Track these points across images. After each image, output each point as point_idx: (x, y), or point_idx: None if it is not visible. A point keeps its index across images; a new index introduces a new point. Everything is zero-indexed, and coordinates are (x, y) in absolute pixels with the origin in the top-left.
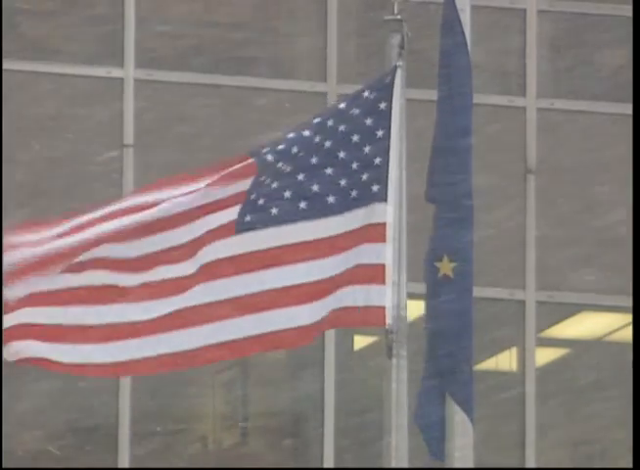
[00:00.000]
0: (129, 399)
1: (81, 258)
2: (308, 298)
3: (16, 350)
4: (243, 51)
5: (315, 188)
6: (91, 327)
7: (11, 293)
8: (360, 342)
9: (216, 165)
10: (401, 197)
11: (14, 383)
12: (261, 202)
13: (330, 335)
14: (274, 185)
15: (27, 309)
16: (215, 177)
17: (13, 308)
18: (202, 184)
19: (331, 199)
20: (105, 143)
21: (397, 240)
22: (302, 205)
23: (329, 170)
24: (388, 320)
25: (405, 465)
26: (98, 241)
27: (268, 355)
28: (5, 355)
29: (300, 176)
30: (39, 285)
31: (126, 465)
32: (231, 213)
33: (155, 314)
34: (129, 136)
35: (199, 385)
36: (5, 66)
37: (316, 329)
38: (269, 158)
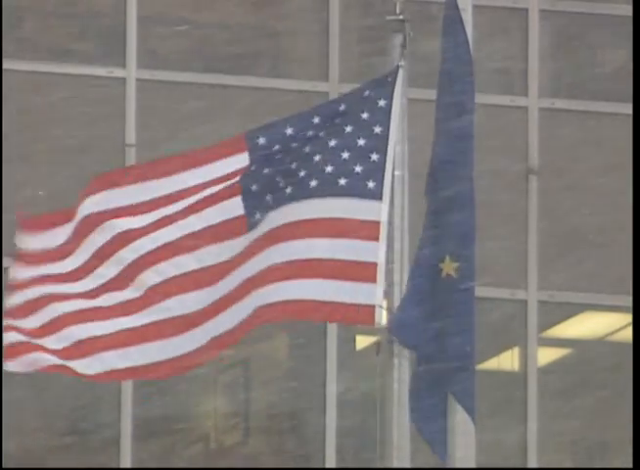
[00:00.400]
0: (131, 400)
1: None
2: (306, 273)
3: (29, 361)
4: (245, 51)
5: (302, 174)
6: (107, 335)
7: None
8: (362, 342)
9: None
10: (403, 197)
11: (15, 383)
12: (269, 198)
13: (332, 335)
14: (279, 181)
15: (38, 339)
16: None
17: (19, 331)
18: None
19: (313, 182)
20: (107, 143)
21: (399, 240)
22: (288, 190)
23: (317, 157)
24: (377, 319)
25: (407, 465)
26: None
27: (269, 355)
28: (11, 368)
29: (294, 165)
30: (46, 315)
31: (128, 465)
32: (232, 208)
33: (168, 314)
34: (131, 136)
35: (200, 385)
36: (5, 66)
37: (299, 307)
38: (261, 141)
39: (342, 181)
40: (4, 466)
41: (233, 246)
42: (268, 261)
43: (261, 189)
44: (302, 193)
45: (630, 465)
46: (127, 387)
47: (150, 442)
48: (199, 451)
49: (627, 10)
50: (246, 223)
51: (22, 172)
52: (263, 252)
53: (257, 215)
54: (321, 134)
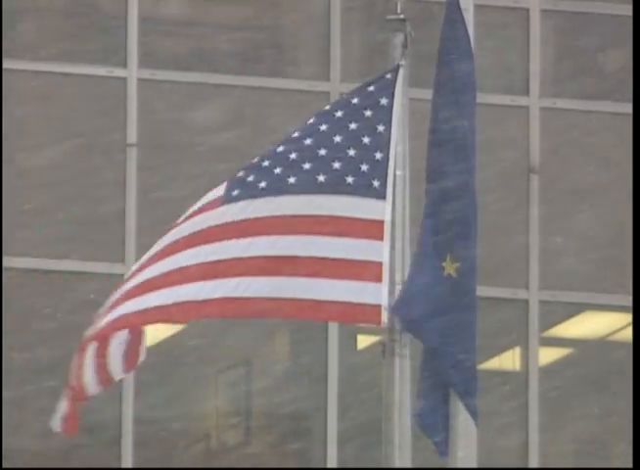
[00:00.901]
0: (132, 400)
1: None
2: (300, 270)
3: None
4: (245, 50)
5: (307, 166)
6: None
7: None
8: (364, 341)
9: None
10: (404, 196)
11: (15, 383)
12: (251, 178)
13: (333, 334)
14: (276, 169)
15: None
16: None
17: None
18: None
19: (321, 178)
20: (108, 142)
21: (400, 239)
22: (291, 180)
23: (322, 151)
24: (384, 319)
25: (409, 465)
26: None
27: (270, 355)
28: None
29: (293, 155)
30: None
31: (129, 465)
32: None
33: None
34: (132, 136)
35: (201, 385)
36: (5, 66)
37: (302, 306)
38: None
39: (350, 179)
40: (4, 466)
41: (209, 217)
42: (265, 251)
43: (256, 178)
44: (310, 187)
45: (630, 465)
46: (128, 386)
47: (151, 442)
48: (200, 451)
49: (627, 10)
50: (221, 199)
51: (21, 173)
52: (259, 238)
53: (236, 191)
54: (323, 128)
